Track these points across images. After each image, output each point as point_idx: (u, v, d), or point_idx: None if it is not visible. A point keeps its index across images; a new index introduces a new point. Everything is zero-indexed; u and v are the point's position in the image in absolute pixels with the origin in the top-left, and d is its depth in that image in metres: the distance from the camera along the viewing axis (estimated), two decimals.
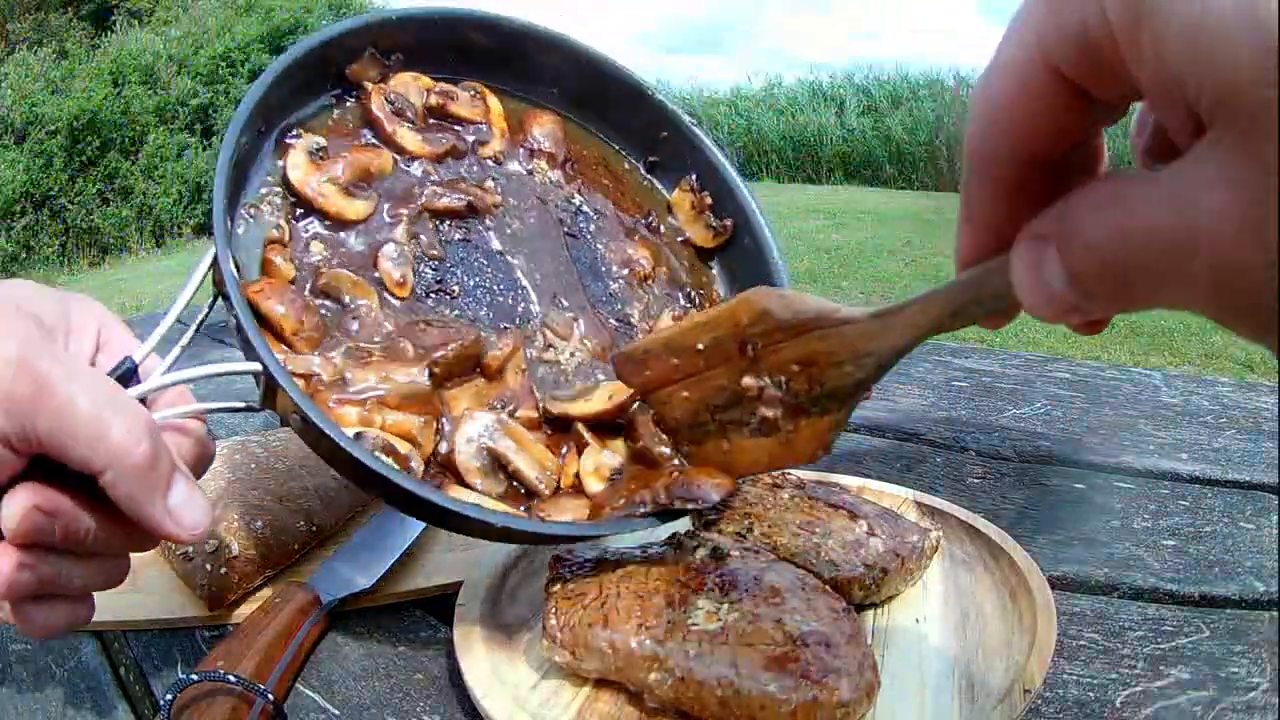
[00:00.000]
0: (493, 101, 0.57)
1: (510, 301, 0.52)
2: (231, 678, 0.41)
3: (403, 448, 0.43)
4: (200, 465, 0.41)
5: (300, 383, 0.42)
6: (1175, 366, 3.23)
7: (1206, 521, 0.61)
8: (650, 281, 0.57)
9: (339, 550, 0.56)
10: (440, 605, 0.53)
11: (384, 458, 0.41)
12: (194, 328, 0.41)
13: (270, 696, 0.41)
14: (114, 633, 0.51)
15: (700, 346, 0.40)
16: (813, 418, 0.38)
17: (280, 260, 0.46)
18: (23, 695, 0.46)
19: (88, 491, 0.35)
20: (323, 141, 0.50)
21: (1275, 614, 0.50)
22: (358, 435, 0.42)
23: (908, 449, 0.75)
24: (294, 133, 0.49)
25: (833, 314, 0.34)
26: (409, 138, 0.53)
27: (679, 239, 0.60)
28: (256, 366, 0.40)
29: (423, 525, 0.59)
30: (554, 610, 0.43)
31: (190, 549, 0.51)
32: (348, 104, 0.52)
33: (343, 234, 0.49)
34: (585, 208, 0.58)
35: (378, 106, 0.52)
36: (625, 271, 0.57)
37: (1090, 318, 0.22)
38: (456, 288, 0.51)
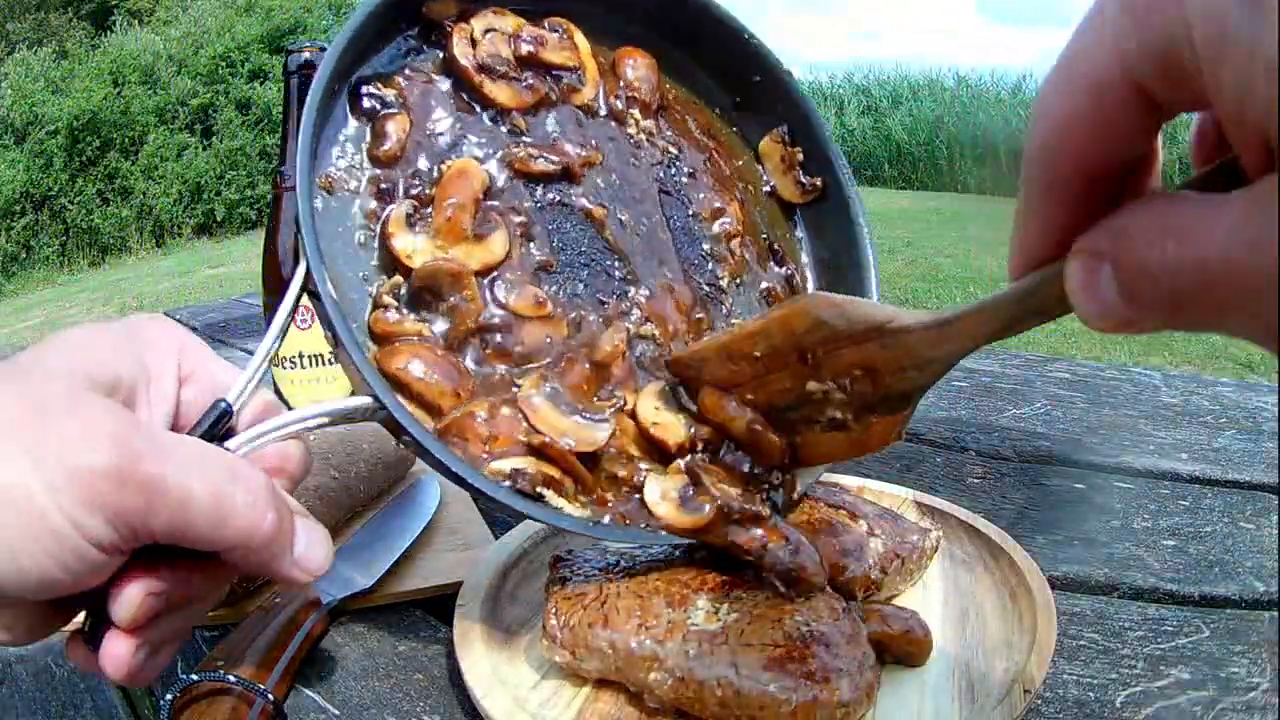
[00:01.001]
0: (580, 40, 0.52)
1: (607, 273, 0.49)
2: (231, 678, 0.41)
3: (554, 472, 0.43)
4: (304, 475, 0.40)
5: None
6: (1175, 366, 3.23)
7: (1206, 521, 0.61)
8: (738, 240, 0.55)
9: (339, 550, 0.56)
10: (440, 605, 0.53)
11: (542, 491, 0.42)
12: (277, 336, 0.40)
13: (270, 696, 0.41)
14: None
15: (757, 354, 0.40)
16: (881, 415, 0.38)
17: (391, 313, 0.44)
18: (23, 695, 0.46)
19: (195, 553, 0.34)
20: (412, 207, 0.45)
21: (1275, 614, 0.50)
22: (514, 473, 0.42)
23: (908, 449, 0.75)
24: (370, 88, 0.46)
25: (890, 322, 0.34)
26: (500, 90, 0.48)
27: (764, 190, 0.58)
28: (367, 402, 0.39)
29: (423, 525, 0.59)
30: (554, 610, 0.43)
31: None
32: (425, 50, 0.48)
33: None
34: (679, 161, 0.55)
35: (461, 53, 0.48)
36: (716, 229, 0.54)
37: (1147, 332, 0.22)
38: (553, 260, 0.48)
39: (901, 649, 0.43)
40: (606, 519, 0.44)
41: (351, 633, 0.51)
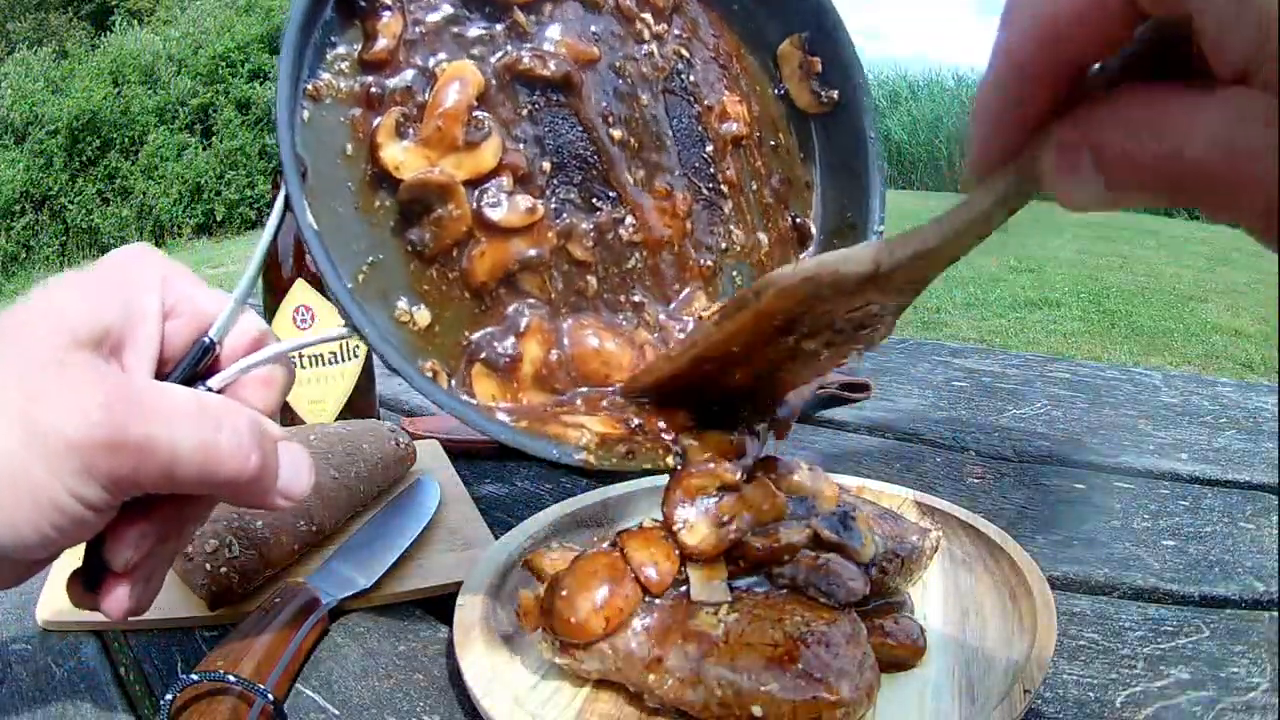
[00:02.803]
0: None
1: (602, 178, 0.48)
2: (231, 678, 0.41)
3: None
4: (288, 389, 0.41)
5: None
6: (1175, 366, 3.23)
7: (1206, 521, 0.61)
8: (742, 146, 0.54)
9: (339, 550, 0.56)
10: (440, 605, 0.53)
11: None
12: (258, 261, 0.39)
13: (270, 696, 0.41)
14: (114, 633, 0.51)
15: (734, 349, 0.39)
16: (873, 329, 0.38)
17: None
18: (23, 695, 0.46)
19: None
20: (403, 115, 0.43)
21: (1275, 614, 0.50)
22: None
23: (908, 449, 0.75)
24: None
25: (878, 269, 0.32)
26: None
27: (777, 92, 0.56)
28: (343, 331, 0.39)
29: (423, 525, 0.59)
30: None
31: (190, 549, 0.51)
32: None
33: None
34: (688, 60, 0.52)
35: None
36: (722, 131, 0.53)
37: (1123, 208, 0.24)
38: (547, 165, 0.46)
39: (889, 655, 0.43)
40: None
41: (351, 633, 0.51)
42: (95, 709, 0.45)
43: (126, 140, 7.36)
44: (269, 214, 0.39)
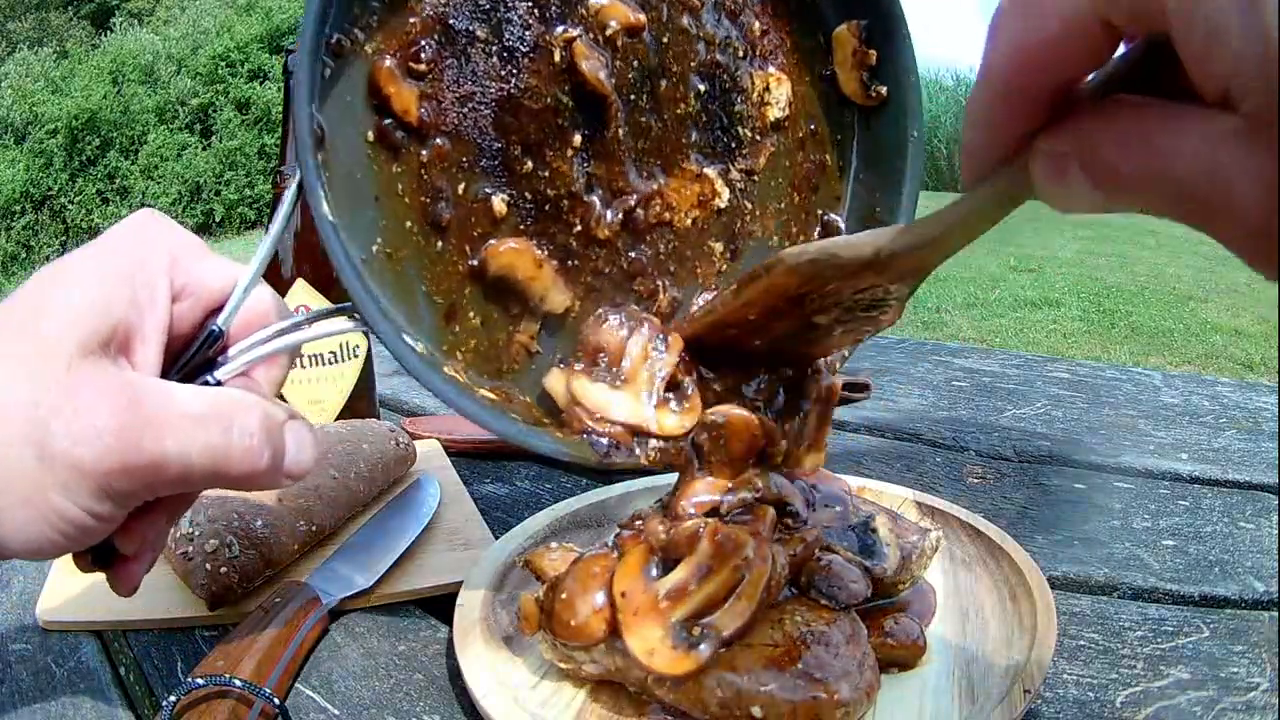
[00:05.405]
0: None
1: (633, 155, 0.47)
2: (237, 682, 0.41)
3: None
4: (292, 365, 0.42)
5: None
6: (1175, 366, 3.23)
7: (1206, 521, 0.61)
8: (782, 129, 0.52)
9: (339, 550, 0.56)
10: (440, 605, 0.53)
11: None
12: (270, 244, 0.39)
13: (270, 697, 0.41)
14: (114, 633, 0.51)
15: (751, 317, 0.41)
16: (882, 310, 0.40)
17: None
18: (23, 695, 0.46)
19: None
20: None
21: (1275, 614, 0.50)
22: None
23: (908, 449, 0.75)
24: None
25: (879, 253, 0.34)
26: None
27: (823, 72, 0.54)
28: (347, 324, 0.39)
29: (423, 525, 0.59)
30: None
31: (190, 549, 0.51)
32: None
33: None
34: (732, 26, 0.50)
35: None
36: (761, 108, 0.51)
37: (1111, 212, 0.24)
38: (578, 139, 0.46)
39: (889, 655, 0.43)
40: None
41: (351, 633, 0.51)
42: (95, 709, 0.45)
43: (126, 140, 7.36)
44: (281, 205, 0.39)
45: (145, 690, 0.46)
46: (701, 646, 0.38)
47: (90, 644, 0.50)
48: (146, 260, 0.36)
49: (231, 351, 0.39)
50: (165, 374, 0.37)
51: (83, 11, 9.16)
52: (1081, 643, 0.48)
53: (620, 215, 0.47)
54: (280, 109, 0.73)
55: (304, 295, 0.71)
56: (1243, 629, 0.48)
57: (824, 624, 0.40)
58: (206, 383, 0.38)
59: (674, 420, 0.44)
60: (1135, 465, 0.70)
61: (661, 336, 0.46)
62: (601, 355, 0.45)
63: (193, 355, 0.38)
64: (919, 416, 0.82)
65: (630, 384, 0.44)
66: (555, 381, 0.45)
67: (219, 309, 0.38)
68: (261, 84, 7.84)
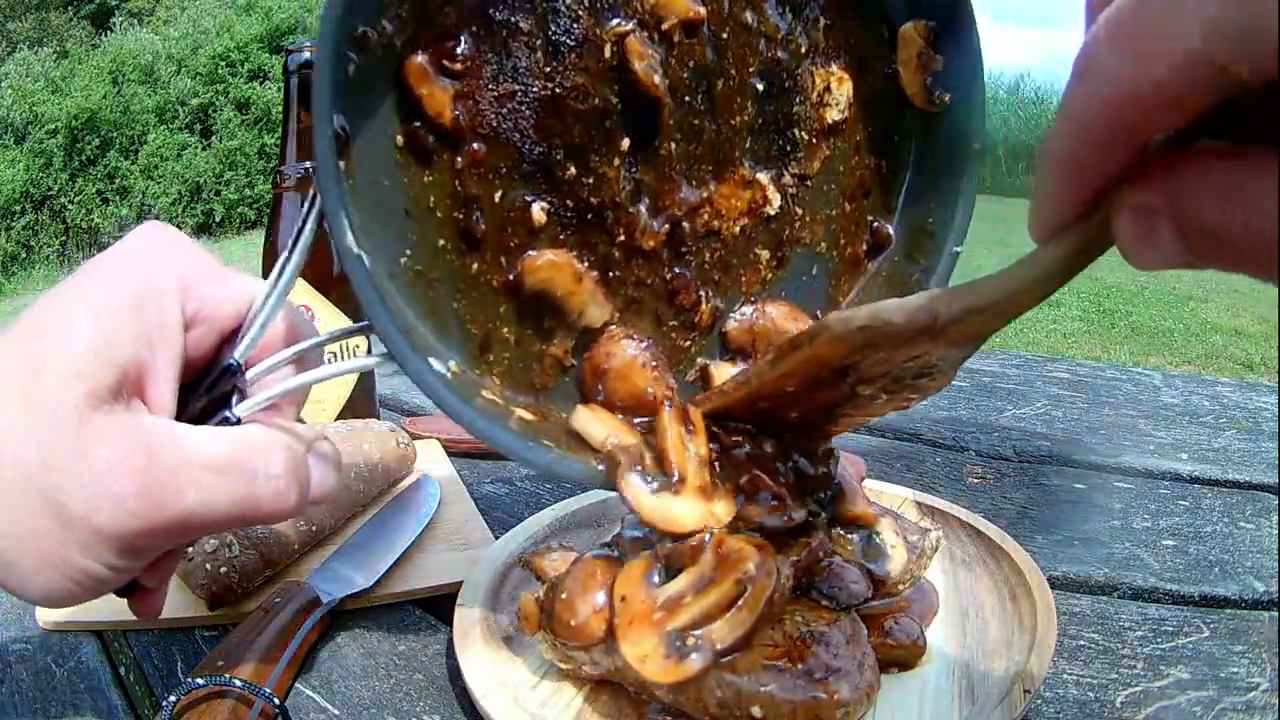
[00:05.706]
0: None
1: (684, 160, 0.44)
2: (237, 682, 0.41)
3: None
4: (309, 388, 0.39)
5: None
6: (1175, 366, 3.23)
7: (1206, 521, 0.61)
8: (838, 134, 0.49)
9: (339, 550, 0.56)
10: (440, 605, 0.53)
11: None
12: (290, 273, 0.36)
13: (270, 697, 0.41)
14: (114, 633, 0.51)
15: (789, 389, 0.38)
16: (931, 378, 0.37)
17: None
18: (23, 695, 0.46)
19: None
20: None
21: (1275, 614, 0.50)
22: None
23: (908, 449, 0.75)
24: None
25: (937, 319, 0.30)
26: None
27: (886, 70, 0.50)
28: (371, 362, 0.38)
29: (423, 525, 0.59)
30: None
31: (190, 549, 0.51)
32: None
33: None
34: (795, 23, 0.47)
35: None
36: (820, 110, 0.48)
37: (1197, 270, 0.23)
38: (626, 142, 0.43)
39: (889, 655, 0.43)
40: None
41: (351, 633, 0.51)
42: (95, 709, 0.45)
43: (126, 140, 7.37)
44: (305, 226, 0.36)
45: (145, 690, 0.46)
46: (693, 657, 0.37)
47: (90, 644, 0.50)
48: (157, 288, 0.34)
49: (250, 375, 0.36)
50: (180, 410, 0.35)
51: (83, 11, 9.17)
52: (1081, 643, 0.48)
53: (667, 225, 0.44)
54: (280, 109, 0.73)
55: (304, 295, 0.71)
56: (1243, 629, 0.48)
57: (824, 624, 0.40)
58: (225, 418, 0.36)
59: (722, 508, 0.41)
60: (1135, 465, 0.70)
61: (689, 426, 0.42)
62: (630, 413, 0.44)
63: (208, 389, 0.36)
64: (919, 416, 0.82)
65: (686, 485, 0.40)
66: (587, 423, 0.43)
67: (233, 332, 0.36)
68: (261, 84, 7.84)
